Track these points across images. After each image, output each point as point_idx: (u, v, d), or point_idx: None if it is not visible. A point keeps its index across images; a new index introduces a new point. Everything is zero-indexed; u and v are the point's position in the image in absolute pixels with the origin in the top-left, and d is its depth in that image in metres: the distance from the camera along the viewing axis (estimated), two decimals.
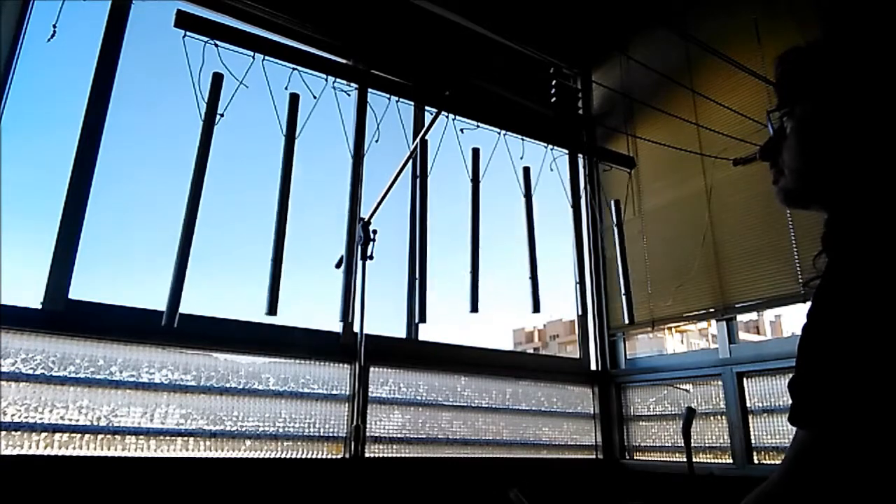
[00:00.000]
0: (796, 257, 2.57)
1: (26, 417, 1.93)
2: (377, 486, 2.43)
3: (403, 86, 2.90)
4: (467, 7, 3.22)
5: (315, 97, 2.52)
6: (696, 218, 3.02)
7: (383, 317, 2.76)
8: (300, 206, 2.44)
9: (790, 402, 0.65)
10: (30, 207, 2.27)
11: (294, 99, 2.45)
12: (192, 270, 2.08)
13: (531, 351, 19.45)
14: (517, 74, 3.54)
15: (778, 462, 1.72)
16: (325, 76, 2.57)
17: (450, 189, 3.01)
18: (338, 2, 2.94)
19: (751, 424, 2.68)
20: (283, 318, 2.42)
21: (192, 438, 2.20)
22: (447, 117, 2.83)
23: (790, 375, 0.66)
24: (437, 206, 2.79)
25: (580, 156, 3.64)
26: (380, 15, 3.05)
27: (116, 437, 2.06)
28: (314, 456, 2.41)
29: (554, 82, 3.69)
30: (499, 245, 2.97)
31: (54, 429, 1.97)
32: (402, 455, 2.61)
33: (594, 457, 3.18)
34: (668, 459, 3.01)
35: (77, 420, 2.01)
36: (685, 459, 2.28)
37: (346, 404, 2.53)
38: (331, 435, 2.46)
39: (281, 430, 2.36)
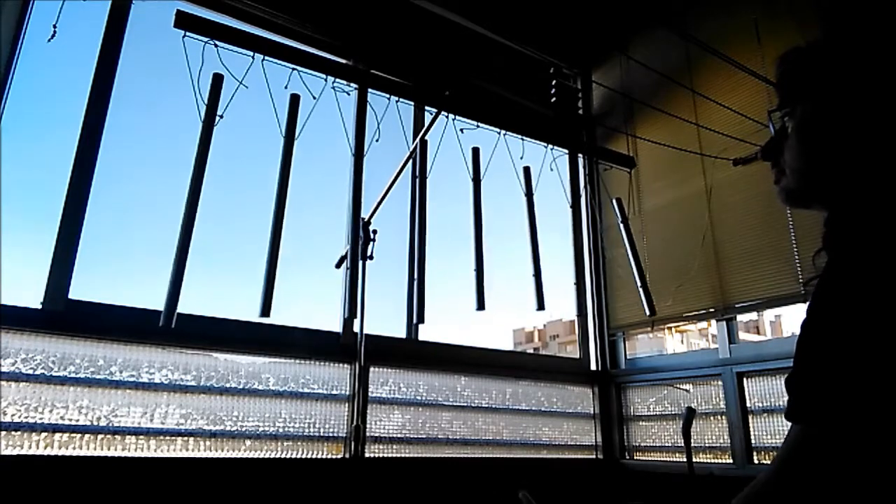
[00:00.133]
0: (796, 257, 2.57)
1: (26, 417, 1.93)
2: (377, 486, 2.43)
3: (403, 86, 2.91)
4: (467, 7, 3.22)
5: (315, 97, 2.52)
6: (696, 218, 3.01)
7: (383, 317, 2.77)
8: (300, 207, 2.44)
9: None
10: (30, 207, 2.27)
11: (294, 100, 2.45)
12: (193, 270, 2.08)
13: (531, 351, 19.44)
14: (517, 74, 3.54)
15: None
16: (324, 76, 2.57)
17: (450, 189, 3.01)
18: (338, 2, 2.94)
19: (751, 424, 2.68)
20: (283, 318, 2.43)
21: (192, 438, 2.19)
22: (447, 117, 2.83)
23: None
24: (437, 206, 2.80)
25: (580, 156, 3.64)
26: (380, 15, 3.04)
27: (116, 437, 2.06)
28: (314, 456, 2.41)
29: (554, 82, 3.69)
30: (499, 245, 2.97)
31: (54, 429, 1.97)
32: (402, 455, 2.61)
33: (594, 457, 3.18)
34: (668, 459, 3.01)
35: (77, 420, 2.01)
36: (685, 459, 2.27)
37: (346, 404, 2.53)
38: (331, 435, 2.46)
39: (281, 430, 2.36)
